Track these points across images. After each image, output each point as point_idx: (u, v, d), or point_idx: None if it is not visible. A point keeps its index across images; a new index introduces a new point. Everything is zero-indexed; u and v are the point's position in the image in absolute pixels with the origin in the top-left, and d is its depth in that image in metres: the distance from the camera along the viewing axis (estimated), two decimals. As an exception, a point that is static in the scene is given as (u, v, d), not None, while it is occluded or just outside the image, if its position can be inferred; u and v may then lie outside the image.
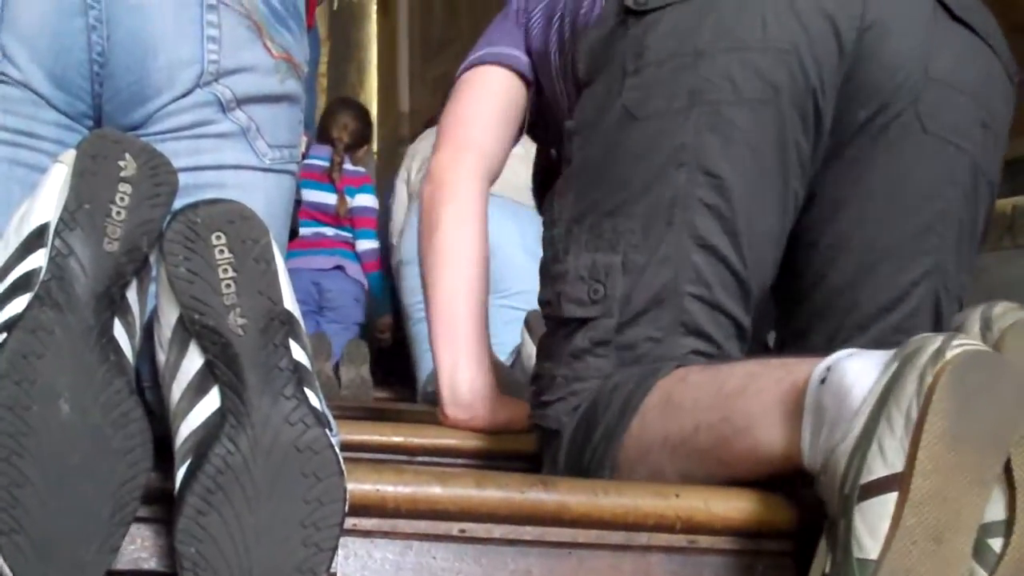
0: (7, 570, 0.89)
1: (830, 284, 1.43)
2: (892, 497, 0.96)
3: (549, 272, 1.39)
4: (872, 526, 0.96)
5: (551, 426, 1.34)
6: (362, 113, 4.82)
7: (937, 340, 1.00)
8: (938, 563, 0.94)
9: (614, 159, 1.35)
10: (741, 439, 1.15)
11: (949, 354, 0.98)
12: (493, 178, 1.91)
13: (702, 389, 1.20)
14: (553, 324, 1.37)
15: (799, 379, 1.10)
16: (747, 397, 1.15)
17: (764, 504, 1.13)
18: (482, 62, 1.89)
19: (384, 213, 4.21)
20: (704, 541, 1.13)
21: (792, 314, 1.49)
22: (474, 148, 1.87)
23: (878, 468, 0.97)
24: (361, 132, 4.64)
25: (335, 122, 4.50)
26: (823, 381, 1.07)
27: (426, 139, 3.99)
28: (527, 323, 2.94)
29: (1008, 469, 0.98)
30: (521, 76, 1.87)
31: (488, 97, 1.89)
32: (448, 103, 1.91)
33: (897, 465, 0.97)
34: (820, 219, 1.43)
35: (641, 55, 1.34)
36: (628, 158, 1.33)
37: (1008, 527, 0.98)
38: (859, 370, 1.05)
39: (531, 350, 2.93)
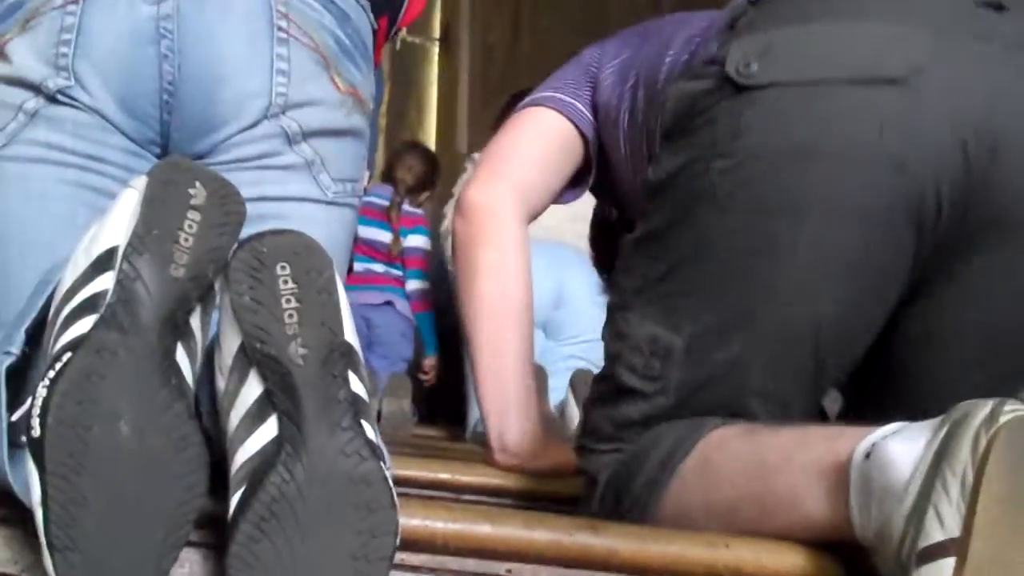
0: None
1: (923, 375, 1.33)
2: (950, 562, 0.94)
3: (612, 324, 1.35)
4: None
5: (592, 472, 1.33)
6: (430, 158, 4.77)
7: (988, 404, 0.99)
8: None
9: (695, 238, 1.26)
10: (786, 513, 1.14)
11: (1003, 418, 0.97)
12: (532, 213, 1.83)
13: (743, 460, 1.19)
14: (610, 378, 1.33)
15: (842, 455, 1.09)
16: (791, 472, 1.14)
17: (816, 560, 1.12)
18: (538, 104, 1.84)
19: (436, 242, 4.22)
20: (752, 593, 1.11)
21: (865, 390, 1.41)
22: (509, 179, 1.78)
23: (935, 533, 0.96)
24: (426, 176, 4.59)
25: (401, 163, 4.49)
26: (868, 456, 1.06)
27: None
28: (572, 384, 2.94)
29: None
30: (577, 127, 1.80)
31: (535, 136, 1.82)
32: (495, 137, 1.86)
33: (954, 530, 0.95)
34: (921, 315, 1.31)
35: (737, 135, 1.23)
36: (709, 243, 1.25)
37: None
38: (906, 439, 1.04)
39: (574, 412, 2.94)
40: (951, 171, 1.19)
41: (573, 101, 1.80)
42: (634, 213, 1.59)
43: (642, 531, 1.14)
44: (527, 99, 1.85)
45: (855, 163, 1.19)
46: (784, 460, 1.15)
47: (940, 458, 0.98)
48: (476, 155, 4.01)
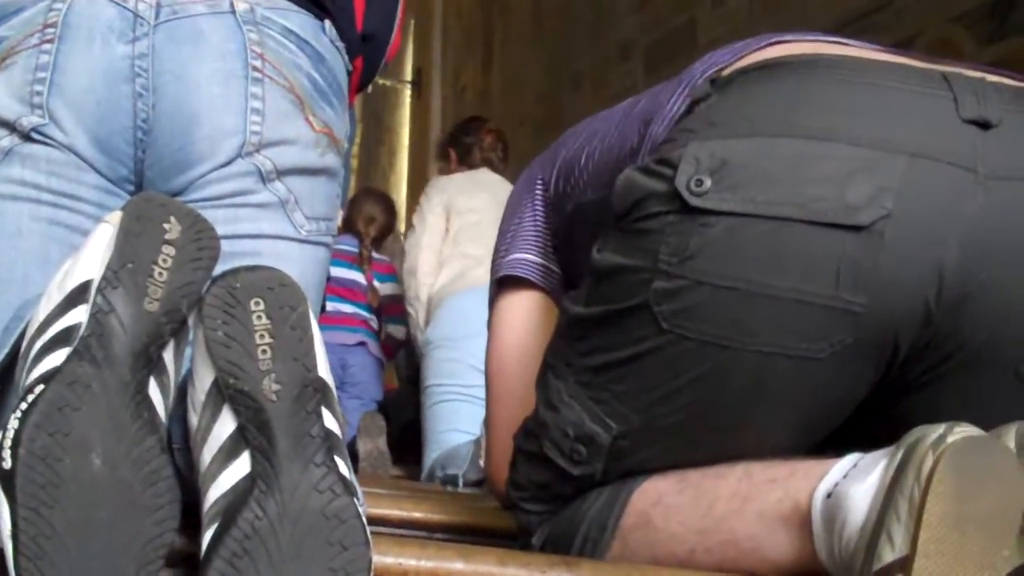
0: None
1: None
2: None
3: (544, 385, 1.29)
4: None
5: (525, 528, 1.32)
6: (388, 205, 4.81)
7: (939, 428, 1.01)
8: None
9: (631, 345, 1.18)
10: (750, 559, 1.14)
11: (950, 439, 0.99)
12: None
13: (686, 513, 1.18)
14: (537, 440, 1.28)
15: (802, 498, 1.10)
16: (745, 520, 1.14)
17: (789, 595, 1.12)
18: (501, 284, 1.66)
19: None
20: (728, 631, 1.11)
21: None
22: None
23: (887, 555, 0.98)
24: (388, 224, 4.66)
25: (360, 214, 4.52)
26: (829, 496, 1.08)
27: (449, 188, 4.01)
28: None
29: None
30: (542, 288, 1.63)
31: (517, 339, 1.64)
32: (489, 342, 1.69)
33: (903, 549, 0.97)
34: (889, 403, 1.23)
35: (683, 259, 1.13)
36: (645, 356, 1.17)
37: None
38: (864, 472, 1.06)
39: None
40: (910, 323, 1.12)
41: (523, 256, 1.64)
42: (575, 273, 1.52)
43: (616, 568, 1.14)
44: (495, 269, 1.70)
45: (807, 310, 1.11)
46: (735, 509, 1.15)
47: (893, 483, 1.00)
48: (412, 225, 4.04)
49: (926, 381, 1.17)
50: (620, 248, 1.20)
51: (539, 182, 1.64)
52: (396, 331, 4.32)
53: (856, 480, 1.06)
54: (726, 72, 1.26)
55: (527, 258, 1.62)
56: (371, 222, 4.50)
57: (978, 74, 1.20)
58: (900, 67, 1.20)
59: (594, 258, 1.23)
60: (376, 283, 4.41)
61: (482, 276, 3.59)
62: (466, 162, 4.18)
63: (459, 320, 3.62)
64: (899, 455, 1.02)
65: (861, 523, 1.02)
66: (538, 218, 1.63)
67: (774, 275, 1.11)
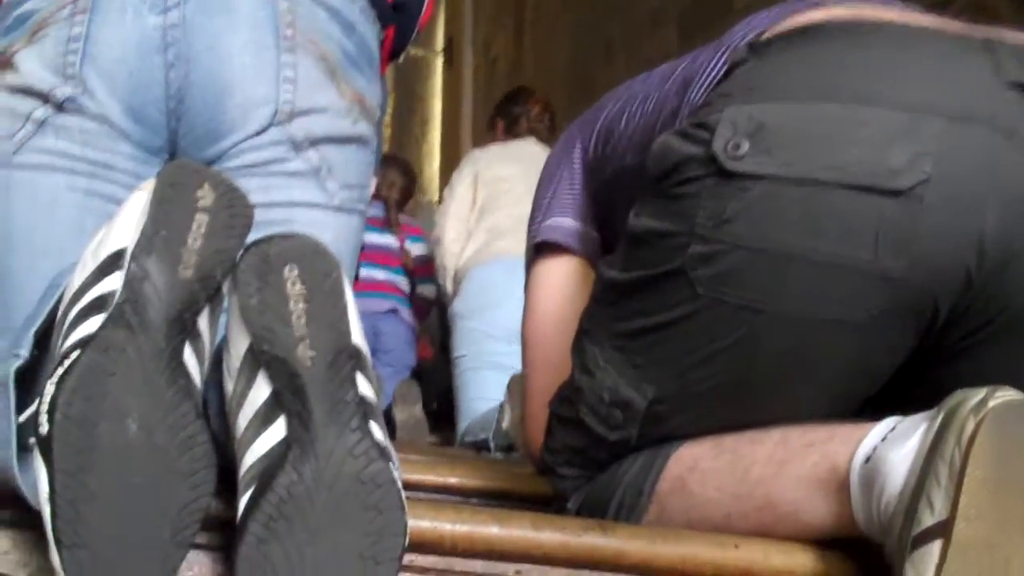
0: None
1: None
2: (938, 544, 0.96)
3: (580, 350, 1.29)
4: (920, 573, 0.97)
5: (561, 494, 1.32)
6: (408, 168, 4.92)
7: (980, 392, 1.01)
8: None
9: (666, 311, 1.18)
10: (786, 523, 1.14)
11: (991, 403, 0.98)
12: None
13: (722, 478, 1.18)
14: (574, 406, 1.28)
15: (840, 462, 1.10)
16: (783, 484, 1.14)
17: (825, 559, 1.12)
18: (538, 250, 1.64)
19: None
20: (762, 594, 1.11)
21: None
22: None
23: (926, 519, 0.98)
24: (408, 187, 4.76)
25: (383, 180, 4.57)
26: (867, 460, 1.07)
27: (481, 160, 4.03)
28: (510, 388, 2.97)
29: None
30: (581, 255, 1.62)
31: (554, 306, 1.62)
32: (525, 308, 1.67)
33: (943, 513, 0.97)
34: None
35: (719, 224, 1.13)
36: (680, 321, 1.17)
37: None
38: (903, 436, 1.05)
39: (507, 417, 2.99)
40: (950, 289, 1.11)
41: (562, 222, 1.63)
42: (614, 235, 1.51)
43: (651, 532, 1.14)
44: (530, 228, 1.68)
45: (844, 275, 1.10)
46: (772, 473, 1.15)
47: (934, 448, 1.00)
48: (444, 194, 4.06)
49: (966, 347, 1.16)
50: (657, 213, 1.19)
51: (578, 146, 1.62)
52: (427, 291, 4.40)
53: (895, 444, 1.05)
54: (765, 36, 1.25)
55: (564, 223, 1.61)
56: (392, 186, 4.58)
57: (1019, 38, 1.19)
58: (940, 31, 1.19)
59: (631, 223, 1.23)
60: (408, 244, 4.48)
61: (507, 247, 3.62)
62: (513, 132, 4.19)
63: (484, 291, 3.65)
64: (939, 419, 1.02)
65: (900, 487, 1.02)
66: (576, 182, 1.62)
67: (811, 239, 1.10)
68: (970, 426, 0.98)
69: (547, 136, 4.15)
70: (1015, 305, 1.12)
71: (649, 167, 1.21)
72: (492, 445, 3.12)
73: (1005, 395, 1.00)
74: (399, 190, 4.62)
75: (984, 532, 0.95)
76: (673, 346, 1.18)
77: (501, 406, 3.09)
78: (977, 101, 1.12)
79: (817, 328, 1.12)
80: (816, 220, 1.10)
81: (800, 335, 1.13)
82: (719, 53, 1.31)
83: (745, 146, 1.12)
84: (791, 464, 1.14)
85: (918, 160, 1.08)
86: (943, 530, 0.96)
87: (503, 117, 4.30)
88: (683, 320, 1.16)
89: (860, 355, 1.15)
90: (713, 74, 1.29)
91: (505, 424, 2.99)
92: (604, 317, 1.26)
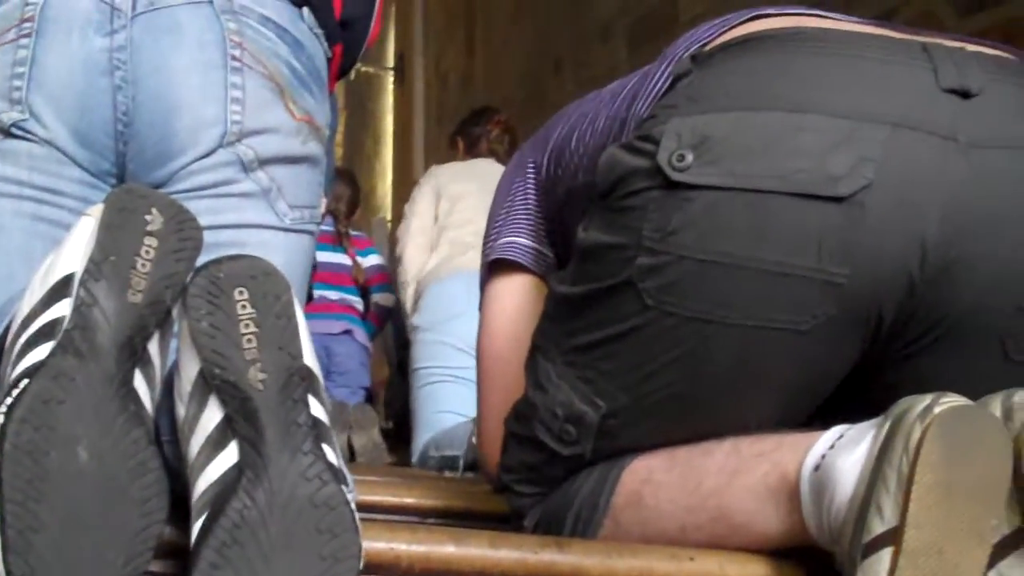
0: None
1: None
2: (888, 552, 0.97)
3: (533, 366, 1.29)
4: None
5: (517, 511, 1.33)
6: (353, 179, 4.95)
7: (926, 399, 1.02)
8: None
9: (616, 323, 1.18)
10: (739, 534, 1.15)
11: (937, 409, 1.00)
12: None
13: (675, 490, 1.19)
14: (528, 423, 1.28)
15: (789, 470, 1.11)
16: (734, 495, 1.15)
17: (778, 569, 1.13)
18: (492, 268, 1.65)
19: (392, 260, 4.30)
20: (718, 606, 1.12)
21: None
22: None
23: (876, 526, 0.99)
24: (354, 198, 4.77)
25: (330, 193, 4.57)
26: (817, 468, 1.08)
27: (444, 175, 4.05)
28: None
29: None
30: (533, 272, 1.63)
31: (508, 323, 1.62)
32: (480, 326, 1.68)
33: (893, 521, 0.98)
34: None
35: (665, 235, 1.13)
36: (630, 333, 1.17)
37: None
38: (852, 442, 1.06)
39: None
40: (893, 294, 1.12)
41: (514, 240, 1.63)
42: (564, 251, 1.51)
43: (608, 547, 1.14)
44: (486, 252, 1.68)
45: (789, 283, 1.11)
46: (724, 484, 1.15)
47: (882, 455, 1.01)
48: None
49: (912, 353, 1.17)
50: (604, 226, 1.20)
51: (530, 165, 1.63)
52: (383, 299, 4.40)
53: (844, 451, 1.06)
54: (708, 48, 1.25)
55: (518, 241, 1.61)
56: (340, 199, 4.57)
57: (958, 44, 1.20)
58: (880, 39, 1.20)
59: (579, 237, 1.23)
60: (358, 258, 4.49)
61: (468, 262, 3.62)
62: (473, 152, 4.20)
63: (444, 304, 3.65)
64: (886, 426, 1.03)
65: (850, 495, 1.03)
66: (530, 201, 1.62)
67: (756, 248, 1.11)
68: (917, 433, 0.99)
69: (505, 157, 4.17)
70: (958, 310, 1.13)
71: (596, 180, 1.22)
72: (461, 463, 3.11)
73: (950, 401, 1.01)
74: (346, 202, 4.62)
75: (933, 538, 0.97)
76: (624, 359, 1.19)
77: (473, 422, 3.08)
78: (918, 107, 1.13)
79: (764, 336, 1.13)
80: (760, 229, 1.11)
81: (748, 344, 1.14)
82: (663, 66, 1.32)
83: (689, 157, 1.13)
84: (742, 475, 1.15)
85: (860, 166, 1.10)
86: (893, 537, 0.97)
87: (463, 137, 4.32)
88: (632, 332, 1.17)
89: (808, 363, 1.15)
90: (657, 87, 1.30)
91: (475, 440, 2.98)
92: (556, 332, 1.26)
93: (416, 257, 3.91)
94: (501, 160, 4.12)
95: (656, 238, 1.14)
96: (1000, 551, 1.00)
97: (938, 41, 1.20)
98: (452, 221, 3.85)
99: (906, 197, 1.10)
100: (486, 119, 4.32)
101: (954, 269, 1.11)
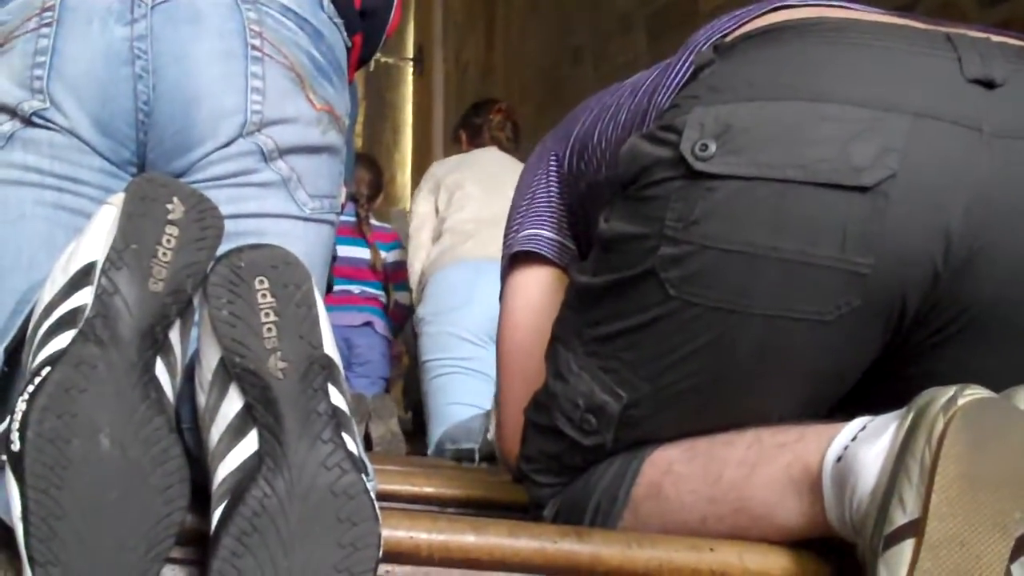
0: None
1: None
2: (910, 543, 0.97)
3: (554, 355, 1.30)
4: (893, 572, 0.97)
5: (537, 502, 1.33)
6: (374, 164, 4.91)
7: (949, 390, 1.02)
8: None
9: (638, 313, 1.19)
10: (761, 525, 1.15)
11: (961, 401, 1.00)
12: None
13: (696, 481, 1.19)
14: (548, 412, 1.29)
15: (811, 462, 1.11)
16: (755, 486, 1.15)
17: (799, 560, 1.13)
18: (514, 260, 1.65)
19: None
20: (737, 596, 1.12)
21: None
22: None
23: (898, 518, 0.99)
24: (376, 183, 4.72)
25: (351, 182, 4.55)
26: (839, 459, 1.08)
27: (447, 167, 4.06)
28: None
29: None
30: (555, 263, 1.63)
31: (531, 314, 1.62)
32: (501, 317, 1.68)
33: (915, 512, 0.98)
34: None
35: (688, 225, 1.13)
36: (652, 323, 1.18)
37: None
38: (874, 435, 1.06)
39: (492, 426, 3.00)
40: (917, 284, 1.11)
41: (537, 232, 1.64)
42: (586, 241, 1.53)
43: (627, 537, 1.14)
44: (506, 239, 1.68)
45: (812, 272, 1.11)
46: (745, 475, 1.15)
47: (904, 447, 1.01)
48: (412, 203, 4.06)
49: (935, 344, 1.16)
50: (627, 216, 1.19)
51: (553, 158, 1.63)
52: (403, 297, 4.37)
53: (866, 443, 1.06)
54: (730, 38, 1.25)
55: (541, 233, 1.61)
56: (361, 182, 4.52)
57: (982, 34, 1.20)
58: (904, 29, 1.19)
59: (601, 227, 1.23)
60: (381, 252, 4.46)
61: (471, 250, 3.63)
62: (475, 143, 4.20)
63: (447, 294, 3.66)
64: (909, 418, 1.02)
65: (872, 487, 1.02)
66: (552, 194, 1.62)
67: (779, 238, 1.11)
68: (940, 424, 0.99)
69: (509, 145, 4.16)
70: (982, 301, 1.13)
71: (618, 171, 1.22)
72: (477, 456, 3.11)
73: (974, 393, 1.01)
74: (367, 184, 4.58)
75: (956, 530, 0.96)
76: (645, 349, 1.19)
77: (488, 414, 3.09)
78: (942, 97, 1.12)
79: (787, 327, 1.13)
80: (783, 218, 1.11)
81: (771, 334, 1.13)
82: (684, 57, 1.32)
83: (712, 147, 1.13)
84: (764, 466, 1.14)
85: (883, 156, 1.09)
86: (915, 529, 0.97)
87: (465, 128, 4.32)
88: (655, 323, 1.17)
89: (831, 353, 1.15)
90: (678, 78, 1.31)
91: (490, 434, 2.99)
92: (577, 322, 1.27)
93: (420, 254, 3.92)
94: (504, 147, 4.13)
95: (679, 228, 1.14)
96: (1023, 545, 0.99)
97: (962, 31, 1.19)
98: (452, 209, 3.85)
99: (930, 187, 1.10)
100: (486, 109, 4.32)
101: (977, 260, 1.11)
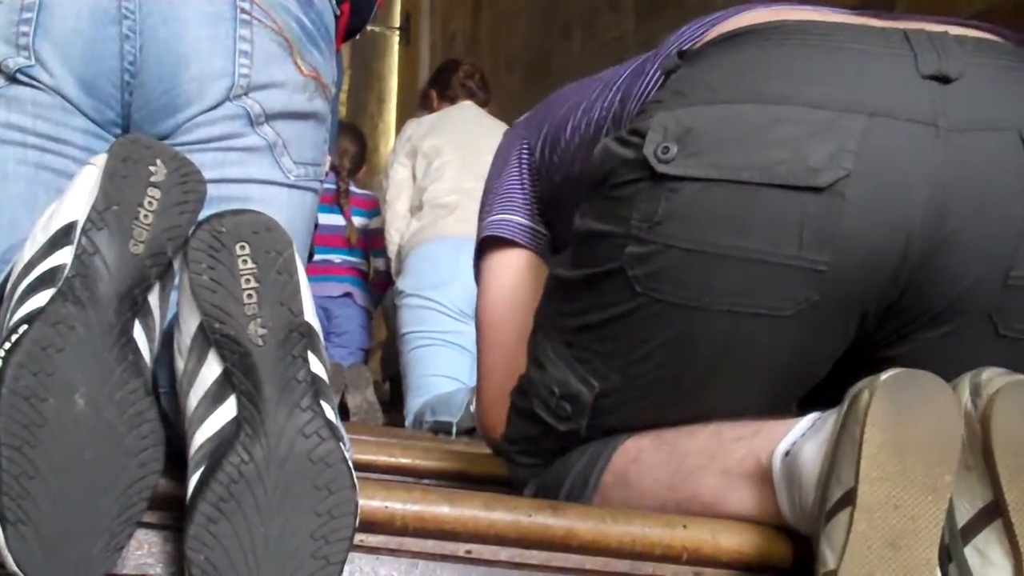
0: (11, 560, 0.89)
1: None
2: (847, 512, 1.00)
3: (534, 343, 1.33)
4: (832, 541, 1.00)
5: (517, 480, 1.37)
6: (359, 136, 4.85)
7: (882, 373, 1.05)
8: (897, 569, 0.98)
9: (607, 308, 1.22)
10: (712, 512, 1.17)
11: (883, 376, 1.03)
12: None
13: (659, 470, 1.22)
14: (528, 397, 1.33)
15: (763, 456, 1.14)
16: (711, 476, 1.18)
17: (769, 538, 1.14)
18: (486, 242, 1.66)
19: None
20: (709, 573, 1.13)
21: None
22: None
23: (836, 492, 1.02)
24: (360, 155, 4.67)
25: (334, 147, 4.52)
26: (787, 454, 1.11)
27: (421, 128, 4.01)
28: None
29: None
30: (529, 247, 1.65)
31: (507, 291, 1.65)
32: (479, 296, 1.70)
33: (850, 482, 1.00)
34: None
35: (652, 225, 1.17)
36: (620, 318, 1.21)
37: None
38: (820, 429, 1.09)
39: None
40: (877, 281, 1.14)
41: (509, 217, 1.65)
42: (561, 233, 1.56)
43: (601, 512, 1.15)
44: (481, 228, 1.69)
45: (771, 270, 1.14)
46: (702, 466, 1.19)
47: (841, 429, 1.04)
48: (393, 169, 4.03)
49: (907, 334, 1.19)
50: (597, 214, 1.23)
51: (524, 145, 1.65)
52: (382, 264, 4.33)
53: (811, 437, 1.09)
54: (696, 45, 1.28)
55: (513, 219, 1.64)
56: (344, 154, 4.49)
57: (941, 28, 1.21)
58: (860, 28, 1.22)
59: (576, 223, 1.27)
60: (360, 219, 4.43)
61: (451, 226, 3.62)
62: (446, 97, 4.14)
63: (429, 269, 3.64)
64: (846, 405, 1.05)
65: (816, 476, 1.06)
66: (524, 180, 1.65)
67: (739, 237, 1.14)
68: (865, 396, 1.02)
69: (480, 95, 4.13)
70: (948, 290, 1.15)
71: (591, 170, 1.26)
72: (455, 429, 3.11)
73: (897, 369, 1.04)
74: (351, 158, 4.54)
75: (888, 492, 0.99)
76: (615, 342, 1.23)
77: (472, 390, 3.09)
78: (897, 96, 1.15)
79: (748, 322, 1.16)
80: (742, 219, 1.14)
81: (732, 329, 1.17)
82: (655, 63, 1.35)
83: (673, 149, 1.16)
84: (720, 458, 1.18)
85: (838, 156, 1.12)
86: (849, 498, 1.00)
87: (435, 86, 4.27)
88: (623, 317, 1.21)
89: (792, 348, 1.18)
90: (649, 84, 1.34)
91: (473, 407, 2.99)
92: (554, 313, 1.31)
93: (397, 222, 3.90)
94: (477, 100, 4.09)
95: (644, 227, 1.17)
96: (974, 526, 1.03)
97: (920, 27, 1.21)
98: (430, 179, 3.81)
99: (887, 185, 1.12)
100: (451, 65, 4.30)
101: (937, 253, 1.14)
